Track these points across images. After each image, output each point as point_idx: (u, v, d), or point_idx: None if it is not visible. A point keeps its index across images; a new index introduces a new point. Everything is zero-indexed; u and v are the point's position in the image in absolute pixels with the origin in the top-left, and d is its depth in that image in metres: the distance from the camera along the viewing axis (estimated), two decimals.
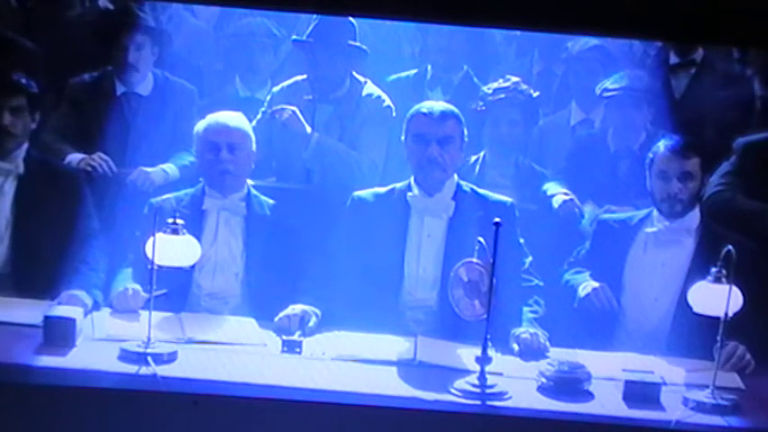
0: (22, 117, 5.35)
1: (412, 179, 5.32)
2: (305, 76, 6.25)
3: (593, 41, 6.74)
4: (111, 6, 7.08)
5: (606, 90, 6.27)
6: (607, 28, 4.45)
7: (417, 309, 5.23)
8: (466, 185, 5.36)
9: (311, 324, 4.96)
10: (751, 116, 6.38)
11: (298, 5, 4.87)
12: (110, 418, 4.34)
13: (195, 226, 5.01)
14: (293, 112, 6.05)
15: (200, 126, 5.41)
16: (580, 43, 6.79)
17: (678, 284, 5.16)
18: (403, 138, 5.33)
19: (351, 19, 6.09)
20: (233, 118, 5.42)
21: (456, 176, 5.33)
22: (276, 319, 4.96)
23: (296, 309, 4.98)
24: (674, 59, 6.98)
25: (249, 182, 5.48)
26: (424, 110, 5.28)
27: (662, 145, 5.31)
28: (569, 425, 4.39)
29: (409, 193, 5.30)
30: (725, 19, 4.19)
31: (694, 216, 5.30)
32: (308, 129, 6.05)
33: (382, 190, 5.41)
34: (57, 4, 7.49)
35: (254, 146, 5.43)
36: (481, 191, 5.38)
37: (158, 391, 4.39)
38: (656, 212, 5.33)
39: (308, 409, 4.37)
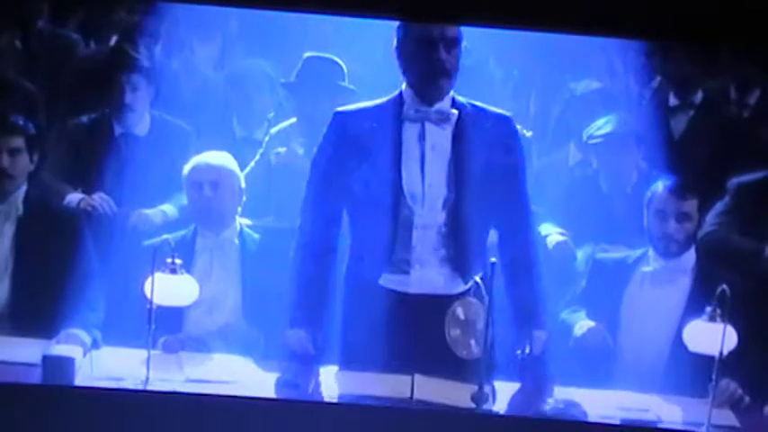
0: (21, 159, 5.38)
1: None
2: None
3: (595, 84, 6.79)
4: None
5: (591, 137, 6.30)
6: (606, 28, 4.45)
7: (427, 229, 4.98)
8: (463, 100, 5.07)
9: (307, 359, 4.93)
10: (747, 157, 6.40)
11: (298, 5, 4.91)
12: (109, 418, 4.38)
13: (188, 267, 5.02)
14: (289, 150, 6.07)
15: (186, 168, 5.48)
16: (582, 85, 6.83)
17: (674, 323, 5.15)
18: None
19: (338, 60, 6.14)
20: (215, 156, 5.48)
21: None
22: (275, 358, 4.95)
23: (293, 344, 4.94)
24: (673, 101, 7.00)
25: (245, 221, 5.52)
26: None
27: (660, 185, 5.33)
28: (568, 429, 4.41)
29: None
30: (725, 19, 4.20)
31: (690, 256, 5.31)
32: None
33: (370, 104, 5.06)
34: (62, 46, 7.54)
35: (242, 183, 5.47)
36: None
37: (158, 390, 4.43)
38: (651, 251, 5.34)
39: (307, 410, 4.38)
